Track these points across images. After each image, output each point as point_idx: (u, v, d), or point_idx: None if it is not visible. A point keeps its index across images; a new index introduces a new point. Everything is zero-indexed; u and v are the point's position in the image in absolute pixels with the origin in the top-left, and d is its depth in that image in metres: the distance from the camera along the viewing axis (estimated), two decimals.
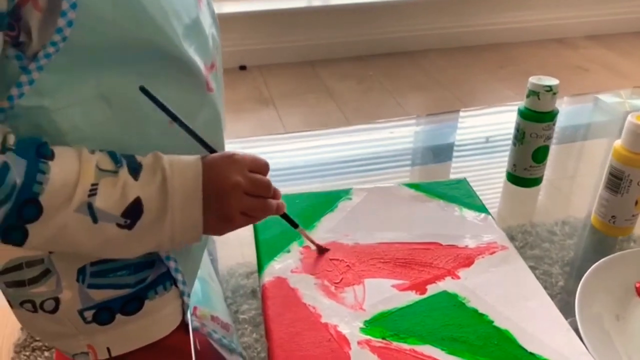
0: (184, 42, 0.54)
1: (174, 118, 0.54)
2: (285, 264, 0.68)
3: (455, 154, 1.09)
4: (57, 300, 0.58)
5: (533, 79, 0.81)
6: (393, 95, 2.37)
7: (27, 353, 1.21)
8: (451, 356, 0.57)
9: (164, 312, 0.62)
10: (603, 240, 0.81)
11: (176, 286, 0.62)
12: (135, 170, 0.52)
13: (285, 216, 0.65)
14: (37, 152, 0.49)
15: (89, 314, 0.59)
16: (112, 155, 0.52)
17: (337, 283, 0.65)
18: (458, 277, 0.66)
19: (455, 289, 0.64)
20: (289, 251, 0.70)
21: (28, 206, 0.48)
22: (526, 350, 0.57)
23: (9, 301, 0.60)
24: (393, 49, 2.67)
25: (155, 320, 0.62)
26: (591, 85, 2.43)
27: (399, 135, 1.16)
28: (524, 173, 0.86)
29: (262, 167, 0.58)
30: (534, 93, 0.81)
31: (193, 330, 0.63)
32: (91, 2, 0.47)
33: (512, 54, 2.71)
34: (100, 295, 0.58)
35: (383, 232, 0.73)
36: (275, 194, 0.60)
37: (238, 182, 0.55)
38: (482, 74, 2.54)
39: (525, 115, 0.83)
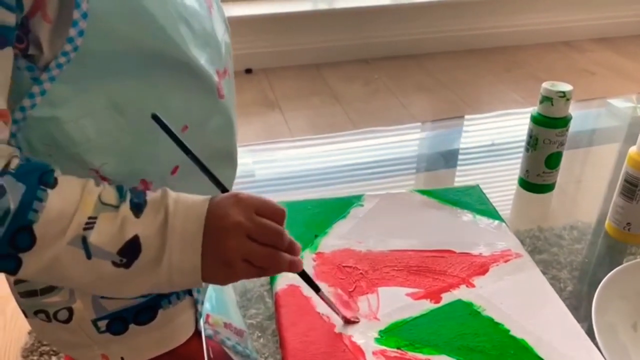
0: (194, 50, 0.54)
1: (187, 151, 0.51)
2: None
3: (465, 159, 1.09)
4: (70, 310, 0.57)
5: (546, 85, 0.81)
6: (398, 97, 2.37)
7: (35, 357, 1.21)
8: None
9: (178, 321, 0.61)
10: (614, 246, 0.80)
11: (190, 295, 0.61)
12: (137, 206, 0.50)
13: (304, 275, 0.57)
14: (40, 178, 0.47)
15: (102, 324, 0.58)
16: (119, 190, 0.50)
17: (350, 291, 0.65)
18: (473, 286, 0.65)
19: (470, 297, 0.64)
20: (301, 258, 0.69)
21: (21, 234, 0.46)
22: None
23: (23, 311, 0.60)
24: (398, 52, 2.67)
25: (170, 330, 0.61)
26: (598, 88, 2.43)
27: (408, 140, 1.15)
28: (537, 179, 0.86)
29: (273, 213, 0.52)
30: (547, 99, 0.81)
31: (206, 337, 0.63)
32: (102, 11, 0.47)
33: (518, 57, 2.70)
34: (113, 305, 0.58)
35: (396, 239, 0.72)
36: (292, 249, 0.53)
37: (239, 222, 0.50)
38: (488, 77, 2.53)
39: (539, 121, 0.82)
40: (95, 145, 0.50)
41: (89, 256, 0.48)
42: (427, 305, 0.63)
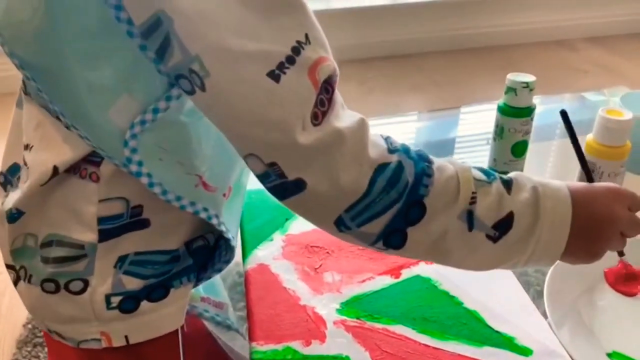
0: None
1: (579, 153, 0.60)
2: (268, 252, 0.71)
3: (442, 151, 1.13)
4: (86, 282, 0.56)
5: (511, 76, 0.84)
6: (393, 97, 2.40)
7: (29, 349, 1.24)
8: (422, 335, 0.60)
9: (182, 303, 0.60)
10: None
11: (196, 280, 0.61)
12: (507, 184, 0.52)
13: None
14: (417, 154, 0.50)
15: (115, 300, 0.57)
16: (482, 170, 0.53)
17: (316, 268, 0.69)
18: (432, 263, 0.69)
19: (429, 273, 0.68)
20: (271, 240, 0.73)
21: (414, 208, 0.49)
22: (493, 329, 0.61)
23: (30, 275, 0.57)
24: (393, 52, 2.71)
25: (175, 309, 0.60)
26: (591, 87, 2.44)
27: (395, 132, 1.19)
28: (504, 167, 0.89)
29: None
30: (511, 89, 0.84)
31: None
32: None
33: (512, 56, 2.73)
34: (131, 283, 0.57)
35: None
36: None
37: (621, 217, 0.53)
38: (482, 77, 2.56)
39: (504, 111, 0.86)
40: (202, 152, 0.54)
41: (470, 229, 0.50)
42: (387, 280, 0.67)
